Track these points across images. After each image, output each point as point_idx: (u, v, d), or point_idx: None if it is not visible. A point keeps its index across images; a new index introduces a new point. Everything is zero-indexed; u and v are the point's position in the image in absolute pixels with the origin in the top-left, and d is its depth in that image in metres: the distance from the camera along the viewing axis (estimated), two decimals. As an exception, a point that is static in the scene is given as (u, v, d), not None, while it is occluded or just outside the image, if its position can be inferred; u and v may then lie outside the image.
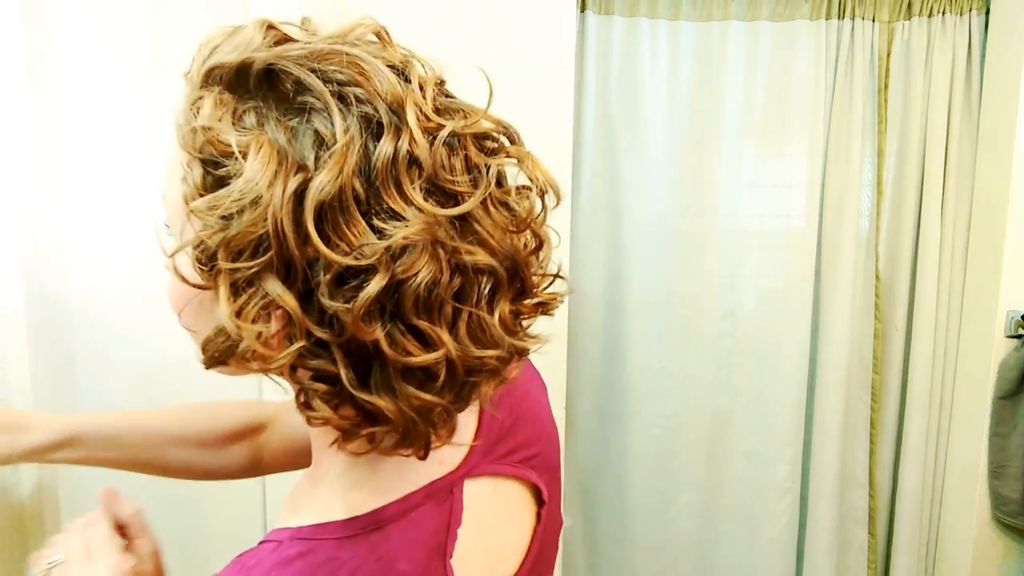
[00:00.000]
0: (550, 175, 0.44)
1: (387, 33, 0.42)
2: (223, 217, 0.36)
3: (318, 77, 0.37)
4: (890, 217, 1.77)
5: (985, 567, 1.73)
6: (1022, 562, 1.72)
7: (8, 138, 0.94)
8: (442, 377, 0.39)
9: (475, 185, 0.39)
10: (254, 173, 0.35)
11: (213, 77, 0.39)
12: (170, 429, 0.74)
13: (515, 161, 0.43)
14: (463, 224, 0.39)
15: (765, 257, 1.76)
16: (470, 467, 0.49)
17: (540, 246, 0.44)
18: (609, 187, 1.72)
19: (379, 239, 0.35)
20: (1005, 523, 1.68)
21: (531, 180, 0.43)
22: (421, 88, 0.39)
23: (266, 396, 1.18)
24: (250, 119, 0.37)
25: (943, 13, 1.67)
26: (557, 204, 0.44)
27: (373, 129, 0.37)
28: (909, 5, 1.68)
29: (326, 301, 0.35)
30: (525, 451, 0.54)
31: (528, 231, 0.43)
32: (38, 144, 1.02)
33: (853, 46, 1.69)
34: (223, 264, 0.36)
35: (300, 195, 0.35)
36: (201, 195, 0.38)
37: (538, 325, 0.46)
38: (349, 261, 0.35)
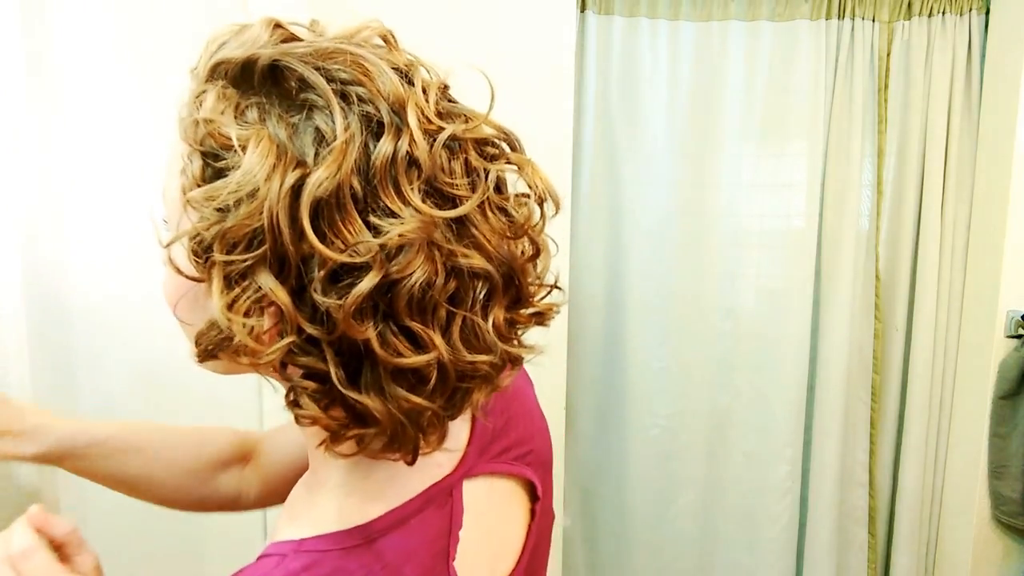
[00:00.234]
0: (550, 183, 0.44)
1: (393, 37, 0.43)
2: (219, 209, 0.36)
3: (321, 75, 0.37)
4: (890, 217, 1.77)
5: (985, 567, 1.73)
6: (1022, 562, 1.72)
7: (8, 138, 0.94)
8: (433, 380, 0.38)
9: (474, 189, 0.39)
10: (252, 166, 0.35)
11: (218, 72, 0.39)
12: (164, 453, 0.73)
13: (515, 168, 0.43)
14: (460, 227, 0.39)
15: (765, 257, 1.76)
16: (467, 468, 0.49)
17: (537, 254, 0.44)
18: (609, 187, 1.72)
19: (375, 237, 0.35)
20: (1005, 523, 1.68)
21: (530, 187, 0.43)
22: (424, 91, 0.39)
23: (266, 395, 1.18)
24: (252, 114, 0.37)
25: (943, 13, 1.67)
26: (556, 213, 0.44)
27: (373, 128, 0.37)
28: (909, 5, 1.68)
29: (319, 297, 0.35)
30: (519, 448, 0.55)
31: (526, 238, 0.43)
32: (38, 144, 1.02)
33: (853, 46, 1.69)
34: (218, 256, 0.36)
35: (297, 190, 0.35)
36: (199, 187, 0.38)
37: (537, 329, 0.46)
38: (343, 258, 0.35)
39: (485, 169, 0.40)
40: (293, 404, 0.40)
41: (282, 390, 0.41)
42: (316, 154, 0.36)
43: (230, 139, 0.36)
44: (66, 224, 1.07)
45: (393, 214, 0.36)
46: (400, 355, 0.37)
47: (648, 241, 1.73)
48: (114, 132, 1.08)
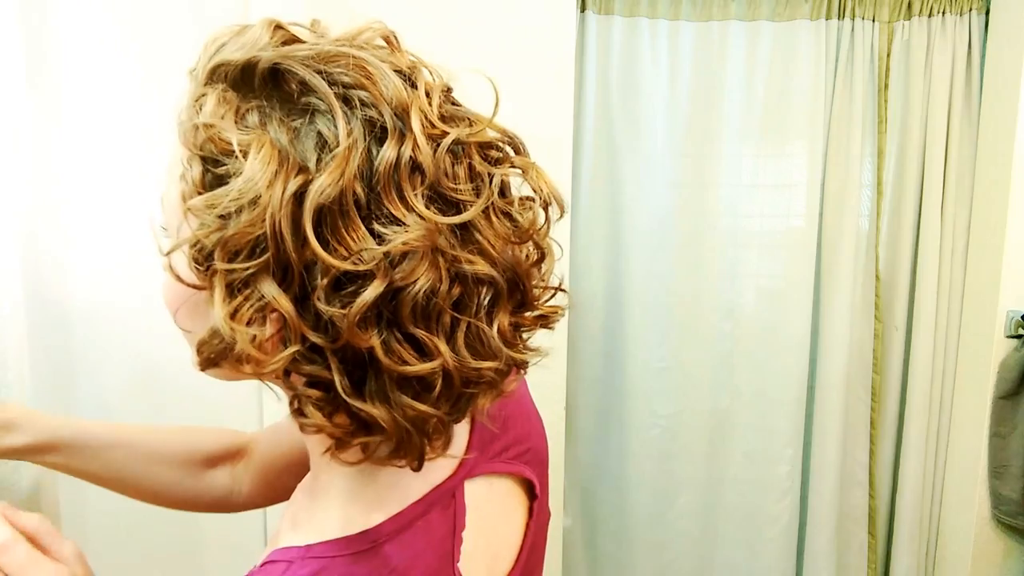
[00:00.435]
0: (554, 187, 0.43)
1: (396, 38, 0.42)
2: (220, 216, 0.35)
3: (323, 79, 0.36)
4: (890, 217, 1.77)
5: (985, 567, 1.73)
6: (1022, 562, 1.72)
7: (8, 138, 0.94)
8: (438, 388, 0.38)
9: (478, 194, 0.39)
10: (254, 172, 0.35)
11: (218, 74, 0.39)
12: (152, 446, 0.72)
13: (519, 171, 0.42)
14: (464, 233, 0.38)
15: (765, 257, 1.76)
16: (468, 468, 0.49)
17: (543, 258, 0.44)
18: (609, 187, 1.72)
19: (378, 244, 0.35)
20: (1005, 523, 1.68)
21: (535, 191, 0.43)
22: (427, 94, 0.39)
23: (266, 397, 1.17)
24: (253, 118, 0.37)
25: (943, 13, 1.67)
26: (560, 216, 0.44)
27: (377, 133, 0.36)
28: (909, 5, 1.68)
29: (322, 306, 0.35)
30: (518, 447, 0.55)
31: (530, 243, 0.42)
32: (38, 144, 1.02)
33: (853, 46, 1.68)
34: (219, 264, 0.36)
35: (300, 197, 0.34)
36: (199, 193, 0.37)
37: (539, 333, 0.46)
38: (347, 266, 0.35)
39: (489, 173, 0.40)
40: (297, 413, 0.39)
41: (284, 396, 0.41)
42: (319, 160, 0.35)
43: (231, 144, 0.36)
44: (66, 226, 1.06)
45: (397, 220, 0.36)
46: (405, 363, 0.37)
47: (648, 241, 1.73)
48: (115, 134, 1.08)
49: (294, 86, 0.37)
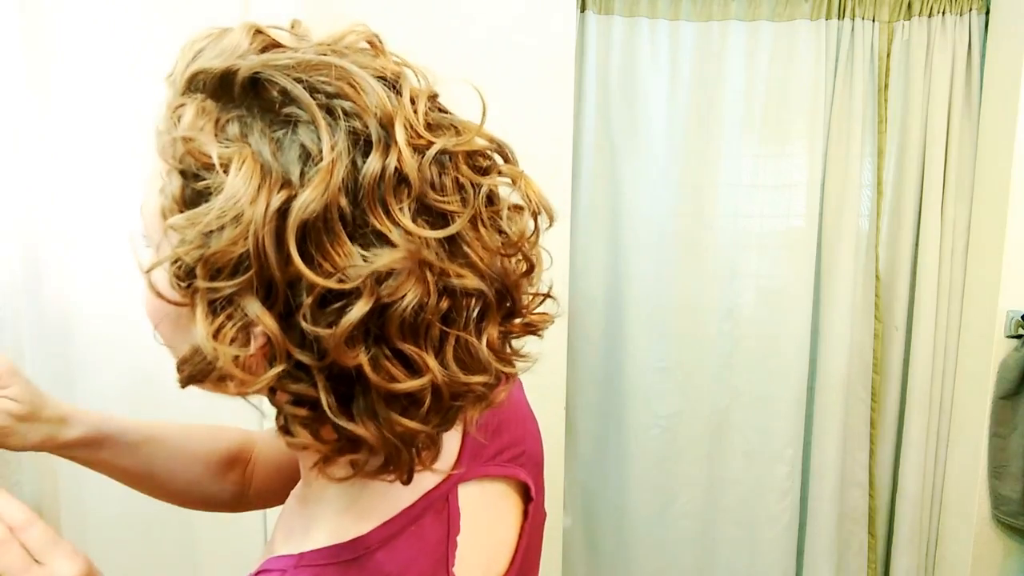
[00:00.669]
0: (543, 196, 0.43)
1: (380, 41, 0.41)
2: (202, 234, 0.34)
3: (305, 88, 0.35)
4: (890, 217, 1.77)
5: (985, 567, 1.73)
6: (1022, 562, 1.72)
7: (8, 138, 0.94)
8: (427, 403, 0.38)
9: (465, 204, 0.38)
10: (236, 189, 0.34)
11: (196, 83, 0.38)
12: (180, 442, 0.72)
13: (508, 181, 0.41)
14: (452, 245, 0.37)
15: (765, 257, 1.76)
16: (461, 473, 0.49)
17: (532, 269, 0.43)
18: (609, 187, 1.72)
19: (365, 262, 0.34)
20: (1005, 523, 1.68)
21: (524, 201, 0.42)
22: (413, 102, 0.38)
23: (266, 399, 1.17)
24: (233, 129, 0.36)
25: (943, 13, 1.67)
26: (550, 226, 0.43)
27: (361, 145, 0.35)
28: (909, 5, 1.68)
29: (308, 325, 0.34)
30: (512, 450, 0.54)
31: (519, 253, 0.42)
32: (38, 145, 1.02)
33: (853, 46, 1.68)
34: (201, 283, 0.35)
35: (283, 212, 0.33)
36: (180, 208, 0.36)
37: (533, 337, 0.45)
38: (332, 284, 0.34)
39: (477, 183, 0.39)
40: (284, 431, 0.38)
41: (261, 409, 0.41)
42: (302, 173, 0.34)
43: (211, 158, 0.35)
44: (66, 225, 1.06)
45: (383, 235, 0.35)
46: (394, 380, 0.36)
47: (648, 241, 1.73)
48: (114, 133, 1.08)
49: (275, 95, 0.36)
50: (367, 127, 0.35)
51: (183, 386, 0.40)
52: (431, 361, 0.37)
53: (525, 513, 0.55)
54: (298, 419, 0.37)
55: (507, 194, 0.42)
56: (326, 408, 0.36)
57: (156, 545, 1.14)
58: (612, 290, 1.76)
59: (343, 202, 0.34)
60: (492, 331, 0.40)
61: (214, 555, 1.18)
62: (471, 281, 0.38)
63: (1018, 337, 1.63)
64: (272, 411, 0.40)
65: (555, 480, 1.60)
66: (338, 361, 0.35)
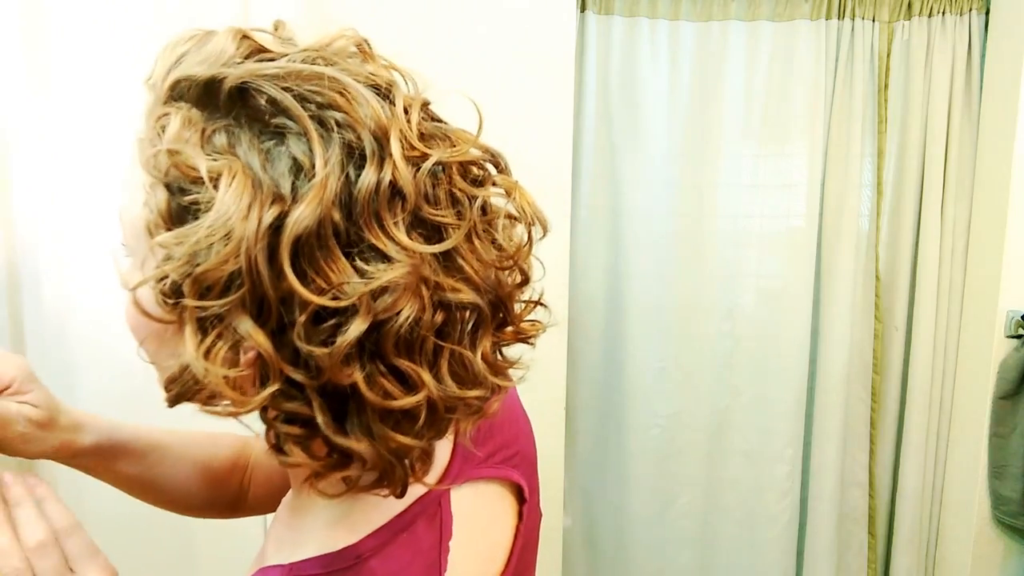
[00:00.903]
0: (538, 207, 0.42)
1: (369, 45, 0.40)
2: (191, 252, 0.33)
3: (295, 98, 0.34)
4: (890, 217, 1.77)
5: (985, 567, 1.72)
6: (1022, 562, 1.72)
7: (8, 138, 0.94)
8: (422, 418, 0.37)
9: (460, 217, 0.37)
10: (227, 206, 0.32)
11: (179, 90, 0.36)
12: (182, 449, 0.71)
13: (502, 192, 0.41)
14: (447, 259, 0.37)
15: (765, 257, 1.76)
16: (453, 476, 0.48)
17: (526, 281, 0.42)
18: (609, 187, 1.72)
19: (360, 279, 0.33)
20: (1005, 523, 1.68)
21: (519, 212, 0.41)
22: (406, 112, 0.37)
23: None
24: (220, 139, 0.34)
25: (943, 13, 1.67)
26: (543, 236, 0.42)
27: (355, 158, 0.34)
28: (909, 5, 1.68)
29: (302, 344, 0.33)
30: (505, 452, 0.53)
31: (514, 266, 0.41)
32: (38, 145, 1.02)
33: (853, 46, 1.68)
34: (189, 301, 0.33)
35: (276, 229, 0.32)
36: (166, 224, 0.35)
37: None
38: (326, 301, 0.33)
39: (471, 195, 0.38)
40: (276, 450, 0.37)
41: (251, 428, 0.39)
42: (294, 187, 0.33)
43: (198, 172, 0.33)
44: (65, 228, 1.06)
45: (378, 251, 0.34)
46: (390, 396, 0.35)
47: (648, 241, 1.73)
48: (113, 133, 1.08)
49: (263, 104, 0.34)
50: (360, 139, 0.34)
51: (171, 405, 0.39)
52: (426, 377, 0.36)
53: (520, 514, 0.54)
54: (291, 437, 0.36)
55: (501, 204, 0.41)
56: (321, 426, 0.35)
57: (155, 548, 1.14)
58: (612, 290, 1.76)
59: (337, 217, 0.33)
60: (486, 343, 0.39)
61: (213, 557, 1.18)
62: (466, 295, 0.37)
63: (1018, 337, 1.62)
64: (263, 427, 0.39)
65: (555, 480, 1.59)
66: (333, 379, 0.34)
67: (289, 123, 0.34)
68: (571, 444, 1.81)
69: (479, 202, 0.38)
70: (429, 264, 0.35)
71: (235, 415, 0.37)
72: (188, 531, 1.15)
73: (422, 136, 0.37)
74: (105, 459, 0.64)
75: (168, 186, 0.35)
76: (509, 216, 0.41)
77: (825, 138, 1.72)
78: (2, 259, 0.92)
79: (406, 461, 0.39)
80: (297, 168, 0.33)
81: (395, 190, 0.35)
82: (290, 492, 0.50)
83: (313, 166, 0.33)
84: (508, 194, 0.41)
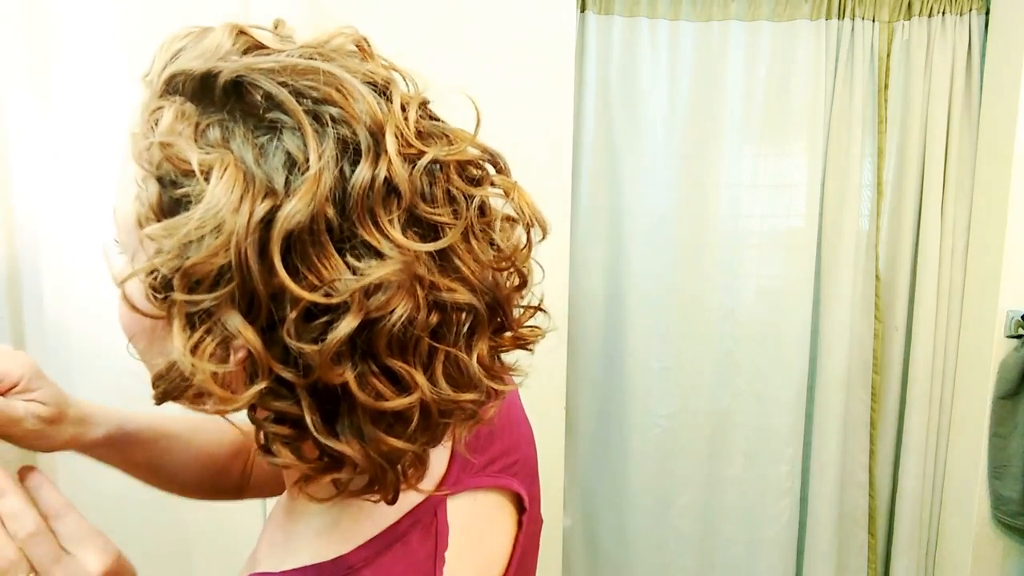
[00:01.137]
0: (537, 208, 0.41)
1: (368, 44, 0.39)
2: (181, 244, 0.33)
3: (290, 93, 0.34)
4: (890, 217, 1.77)
5: (985, 567, 1.72)
6: (1022, 562, 1.72)
7: (7, 138, 0.94)
8: (415, 421, 0.36)
9: (456, 216, 0.37)
10: (217, 198, 0.32)
11: (174, 85, 0.36)
12: (189, 435, 0.71)
13: (501, 192, 0.40)
14: (443, 258, 0.36)
15: (765, 257, 1.76)
16: (450, 485, 0.47)
17: (524, 283, 0.42)
18: (609, 187, 1.72)
19: (353, 275, 0.33)
20: (1005, 523, 1.68)
21: (517, 213, 0.41)
22: (404, 109, 0.36)
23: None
24: (214, 134, 0.34)
25: (943, 13, 1.67)
26: (543, 238, 0.42)
27: (349, 153, 0.34)
28: (909, 5, 1.68)
29: (291, 341, 0.33)
30: (504, 460, 0.52)
31: (512, 267, 0.40)
32: (38, 145, 1.02)
33: (853, 46, 1.68)
34: (178, 295, 0.33)
35: (268, 223, 0.32)
36: (156, 217, 0.34)
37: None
38: (318, 298, 0.32)
39: (468, 195, 0.38)
40: (264, 451, 0.37)
41: (239, 427, 0.39)
42: (287, 182, 0.33)
43: (190, 165, 0.33)
44: (66, 226, 1.06)
45: (372, 247, 0.33)
46: (381, 397, 0.35)
47: (648, 241, 1.73)
48: (113, 132, 1.08)
49: (259, 99, 0.34)
50: (356, 135, 0.34)
51: (158, 403, 0.38)
52: (420, 378, 0.35)
53: (519, 523, 0.53)
54: (280, 438, 0.36)
55: (500, 205, 0.40)
56: (310, 426, 0.34)
57: (153, 541, 1.14)
58: (612, 290, 1.76)
59: (330, 212, 0.33)
60: (482, 347, 0.38)
61: (210, 557, 1.18)
62: (462, 295, 0.36)
63: (1018, 337, 1.63)
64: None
65: (555, 480, 1.60)
66: (323, 378, 0.33)
67: (284, 118, 0.34)
68: (571, 444, 1.81)
69: (476, 202, 0.38)
70: (424, 263, 0.35)
71: (222, 413, 0.36)
72: (186, 525, 1.16)
73: (420, 134, 0.37)
74: (115, 450, 0.64)
75: (160, 179, 0.35)
76: (508, 218, 0.41)
77: (825, 138, 1.72)
78: (2, 259, 0.92)
79: (398, 466, 0.38)
80: (291, 163, 0.33)
81: (390, 187, 0.34)
82: (285, 493, 0.49)
83: (307, 160, 0.33)
84: (507, 194, 0.40)
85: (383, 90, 0.37)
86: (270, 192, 0.32)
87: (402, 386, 0.35)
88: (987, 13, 1.67)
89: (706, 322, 1.77)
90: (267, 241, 0.32)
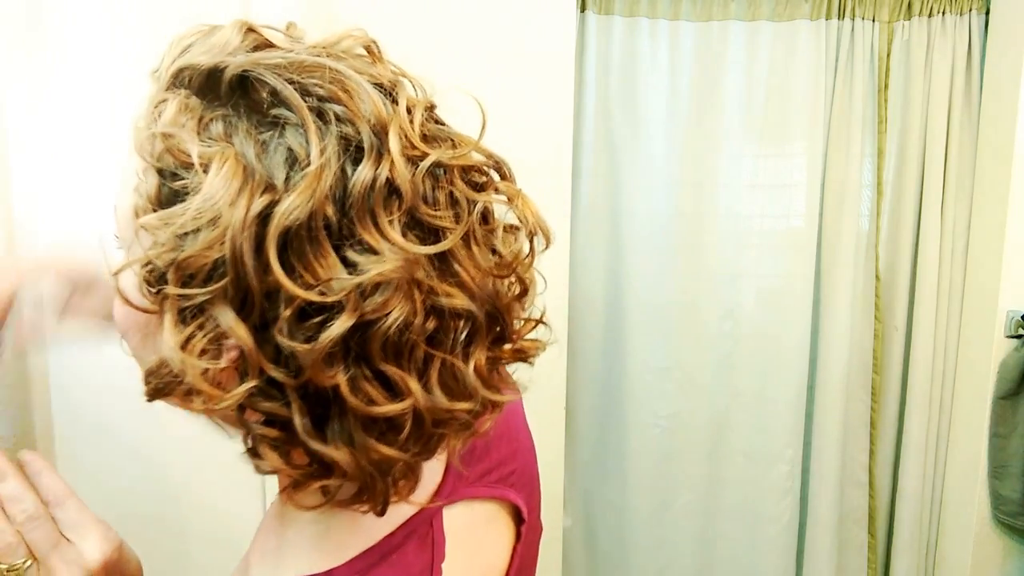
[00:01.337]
0: (540, 216, 0.41)
1: (377, 47, 0.39)
2: (176, 236, 0.32)
3: (296, 89, 0.33)
4: (890, 217, 1.77)
5: (985, 567, 1.72)
6: (1022, 562, 1.72)
7: (7, 138, 0.94)
8: (407, 429, 0.35)
9: (458, 221, 0.36)
10: (215, 190, 0.32)
11: (181, 79, 0.36)
12: None
13: (504, 199, 0.39)
14: (442, 263, 0.36)
15: (765, 257, 1.76)
16: (446, 495, 0.46)
17: (525, 292, 0.41)
18: (609, 187, 1.72)
19: (350, 274, 0.32)
20: (1005, 523, 1.68)
21: (521, 221, 0.40)
22: (409, 111, 0.36)
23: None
24: (217, 128, 0.34)
25: (943, 13, 1.67)
26: (546, 247, 0.41)
27: (352, 152, 0.33)
28: (909, 5, 1.68)
29: (284, 340, 0.32)
30: (501, 470, 0.51)
31: (513, 275, 0.40)
32: (38, 145, 1.02)
33: (853, 46, 1.68)
34: (171, 289, 0.33)
35: (264, 218, 0.31)
36: (154, 208, 0.34)
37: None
38: (313, 296, 0.32)
39: (471, 200, 0.37)
40: (252, 454, 0.36)
41: (227, 431, 0.38)
42: (287, 178, 0.32)
43: (190, 156, 0.33)
44: (66, 226, 1.06)
45: (370, 248, 0.33)
46: (373, 403, 0.34)
47: (648, 241, 1.73)
48: (113, 132, 1.08)
49: (264, 96, 0.34)
50: (359, 134, 0.33)
51: (149, 400, 0.38)
52: (413, 384, 0.35)
53: (517, 534, 0.52)
54: (267, 440, 0.35)
55: (503, 213, 0.40)
56: (299, 429, 0.34)
57: (151, 537, 1.14)
58: (612, 290, 1.76)
59: (329, 211, 0.32)
60: (480, 355, 0.37)
61: (208, 557, 1.18)
62: (460, 301, 0.36)
63: (1018, 337, 1.62)
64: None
65: (555, 481, 1.60)
66: (314, 380, 0.33)
67: (288, 114, 0.33)
68: (571, 444, 1.81)
69: (479, 207, 0.37)
70: (423, 266, 0.34)
71: (210, 412, 0.36)
72: (185, 522, 1.16)
73: (424, 137, 0.36)
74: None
75: (160, 171, 0.34)
76: (511, 226, 0.40)
77: (825, 138, 1.72)
78: (2, 258, 0.92)
79: (388, 476, 0.37)
80: (292, 159, 0.33)
81: (392, 187, 0.34)
82: (278, 499, 0.48)
83: (308, 157, 0.32)
84: (510, 201, 0.40)
85: (389, 91, 0.37)
86: (269, 187, 0.32)
87: (395, 392, 0.34)
88: (987, 13, 1.67)
89: (706, 322, 1.77)
90: (263, 236, 0.31)
